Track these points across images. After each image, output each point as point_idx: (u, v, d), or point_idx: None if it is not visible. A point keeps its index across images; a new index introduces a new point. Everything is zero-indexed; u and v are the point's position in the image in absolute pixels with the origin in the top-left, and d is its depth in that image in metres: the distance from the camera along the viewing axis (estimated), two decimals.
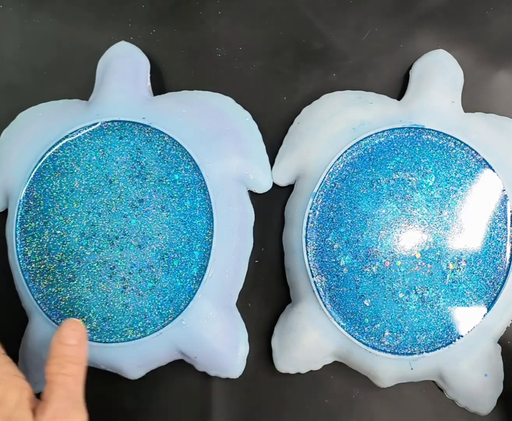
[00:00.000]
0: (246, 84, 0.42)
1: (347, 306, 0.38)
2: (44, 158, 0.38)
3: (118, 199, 0.38)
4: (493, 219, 0.38)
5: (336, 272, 0.38)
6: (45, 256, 0.38)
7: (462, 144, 0.38)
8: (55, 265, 0.38)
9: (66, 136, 0.38)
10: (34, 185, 0.38)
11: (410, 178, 0.38)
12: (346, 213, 0.39)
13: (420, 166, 0.38)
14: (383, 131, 0.39)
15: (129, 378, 0.39)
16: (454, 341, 0.37)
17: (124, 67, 0.40)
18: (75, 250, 0.38)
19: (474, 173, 0.38)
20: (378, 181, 0.39)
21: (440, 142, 0.39)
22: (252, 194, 0.41)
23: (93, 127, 0.38)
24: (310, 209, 0.39)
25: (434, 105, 0.40)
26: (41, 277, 0.38)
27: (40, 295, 0.38)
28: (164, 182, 0.38)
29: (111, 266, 0.37)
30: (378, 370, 0.38)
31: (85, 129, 0.38)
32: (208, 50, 0.43)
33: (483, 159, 0.38)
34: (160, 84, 0.42)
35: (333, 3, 0.43)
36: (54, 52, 0.43)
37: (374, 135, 0.39)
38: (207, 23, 0.43)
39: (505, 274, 0.38)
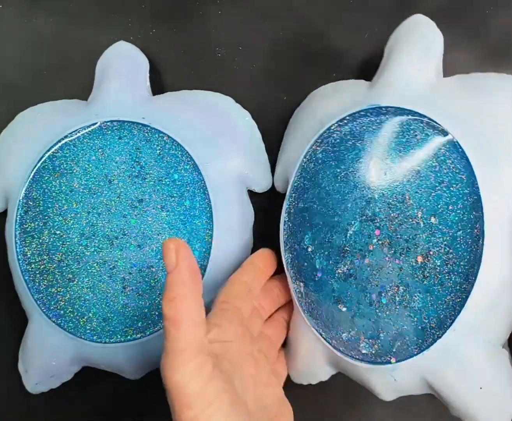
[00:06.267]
0: (246, 84, 0.42)
1: (325, 313, 0.35)
2: (43, 158, 0.38)
3: (118, 199, 0.38)
4: (462, 201, 0.32)
5: (312, 276, 0.36)
6: (45, 257, 0.38)
7: (422, 117, 0.33)
8: (54, 265, 0.38)
9: (65, 136, 0.38)
10: (34, 186, 0.38)
11: (371, 166, 0.34)
12: (317, 213, 0.36)
13: (379, 151, 0.34)
14: (342, 119, 0.35)
15: (129, 378, 0.39)
16: (430, 346, 0.32)
17: (123, 67, 0.40)
18: (75, 250, 0.38)
19: (437, 148, 0.33)
20: (342, 174, 0.35)
21: (397, 120, 0.34)
22: (252, 194, 0.41)
23: (92, 127, 0.38)
24: (285, 213, 0.37)
25: (397, 78, 0.35)
26: (41, 278, 0.38)
27: (39, 295, 0.38)
28: (163, 182, 0.38)
29: (111, 266, 0.37)
30: (368, 382, 0.36)
31: (84, 129, 0.38)
32: (208, 50, 0.43)
33: (444, 130, 0.33)
34: (160, 84, 0.42)
35: (333, 3, 0.43)
36: (53, 52, 0.43)
37: (335, 125, 0.36)
38: (207, 23, 0.43)
39: (478, 263, 0.32)
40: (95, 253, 0.38)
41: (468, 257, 0.32)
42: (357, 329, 0.34)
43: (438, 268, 0.33)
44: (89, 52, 0.42)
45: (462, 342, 0.33)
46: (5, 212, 0.40)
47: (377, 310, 0.34)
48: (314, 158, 0.36)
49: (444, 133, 0.33)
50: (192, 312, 0.29)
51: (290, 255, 0.36)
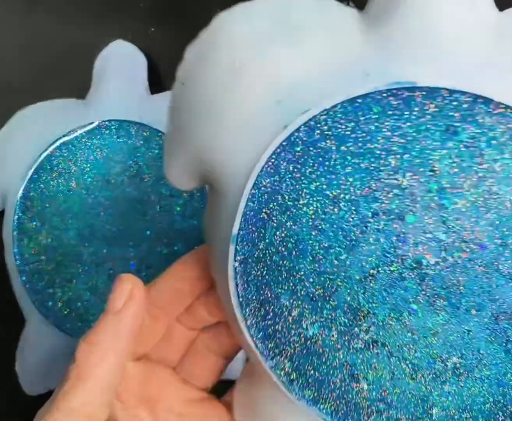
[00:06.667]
0: None
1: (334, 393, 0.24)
2: (41, 158, 0.38)
3: (116, 199, 0.38)
4: None
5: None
6: (43, 257, 0.37)
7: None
8: (52, 266, 0.37)
9: (63, 136, 0.38)
10: (31, 185, 0.38)
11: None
12: (303, 255, 0.22)
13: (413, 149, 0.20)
14: (334, 106, 0.21)
15: None
16: None
17: (121, 66, 0.40)
18: (73, 251, 0.37)
19: None
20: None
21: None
22: None
23: (91, 126, 0.38)
24: (239, 257, 0.23)
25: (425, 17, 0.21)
26: (39, 278, 0.37)
27: (37, 296, 0.37)
28: (162, 182, 0.38)
29: (110, 267, 0.37)
30: None
31: (82, 129, 0.38)
32: None
33: None
34: (158, 83, 0.42)
35: None
36: (51, 51, 0.43)
37: (318, 118, 0.21)
38: (206, 22, 0.43)
39: None
40: (93, 253, 0.37)
41: None
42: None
43: None
44: (87, 51, 0.42)
45: None
46: (2, 212, 0.40)
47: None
48: (282, 166, 0.22)
49: None
50: (104, 374, 0.23)
51: (259, 322, 0.23)
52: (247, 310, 0.23)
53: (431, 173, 0.20)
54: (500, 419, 0.23)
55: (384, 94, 0.20)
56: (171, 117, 0.25)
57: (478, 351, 0.22)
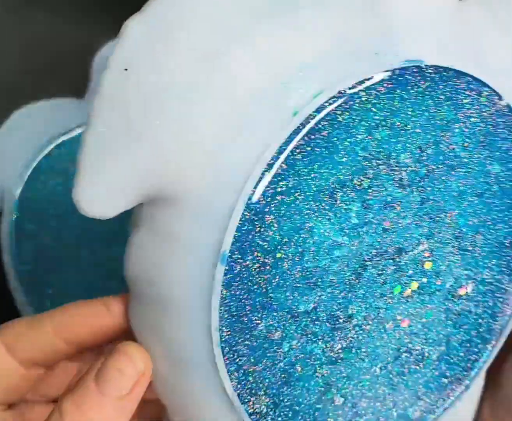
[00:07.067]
0: None
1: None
2: (39, 158, 0.38)
3: None
4: None
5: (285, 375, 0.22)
6: (41, 258, 0.37)
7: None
8: (50, 266, 0.37)
9: (62, 135, 0.38)
10: (30, 186, 0.38)
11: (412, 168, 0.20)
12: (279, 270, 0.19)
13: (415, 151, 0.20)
14: (345, 92, 0.18)
15: None
16: None
17: None
18: (71, 251, 0.37)
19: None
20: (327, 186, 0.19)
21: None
22: None
23: None
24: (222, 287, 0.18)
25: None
26: (36, 279, 0.37)
27: (35, 297, 0.37)
28: None
29: (108, 268, 0.37)
30: None
31: (81, 128, 0.38)
32: None
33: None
34: None
35: None
36: (50, 50, 0.43)
37: (330, 102, 0.18)
38: None
39: None
40: (91, 254, 0.37)
41: None
42: None
43: None
44: (86, 50, 0.42)
45: None
46: (0, 213, 0.40)
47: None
48: (291, 168, 0.18)
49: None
50: None
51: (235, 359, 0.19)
52: (226, 343, 0.19)
53: (420, 153, 0.20)
54: (449, 391, 0.24)
55: (398, 72, 0.18)
56: (103, 114, 0.18)
57: (437, 333, 0.22)
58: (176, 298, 0.19)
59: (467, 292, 0.22)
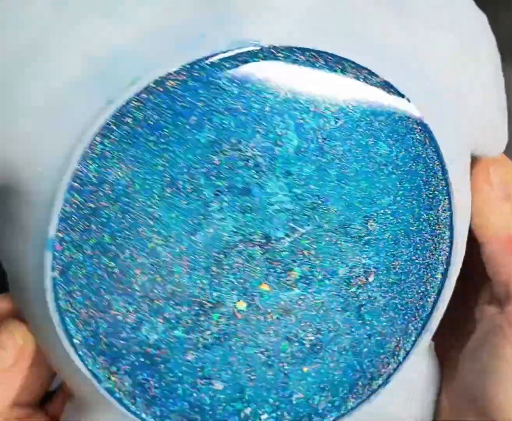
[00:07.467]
0: None
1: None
2: None
3: None
4: None
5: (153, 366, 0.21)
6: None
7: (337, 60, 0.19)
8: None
9: None
10: None
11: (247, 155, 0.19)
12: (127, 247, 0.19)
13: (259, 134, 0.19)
14: (166, 77, 0.18)
15: None
16: None
17: None
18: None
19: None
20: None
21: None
22: None
23: None
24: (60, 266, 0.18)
25: None
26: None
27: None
28: None
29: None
30: None
31: None
32: None
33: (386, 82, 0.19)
34: None
35: None
36: None
37: (149, 90, 0.18)
38: None
39: None
40: None
41: None
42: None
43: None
44: None
45: None
46: None
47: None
48: (109, 152, 0.18)
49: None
50: None
51: (88, 338, 0.20)
52: (72, 326, 0.19)
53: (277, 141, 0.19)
54: (360, 386, 0.21)
55: (224, 55, 0.18)
56: None
57: (334, 322, 0.20)
58: (20, 280, 0.20)
59: (368, 281, 0.21)
